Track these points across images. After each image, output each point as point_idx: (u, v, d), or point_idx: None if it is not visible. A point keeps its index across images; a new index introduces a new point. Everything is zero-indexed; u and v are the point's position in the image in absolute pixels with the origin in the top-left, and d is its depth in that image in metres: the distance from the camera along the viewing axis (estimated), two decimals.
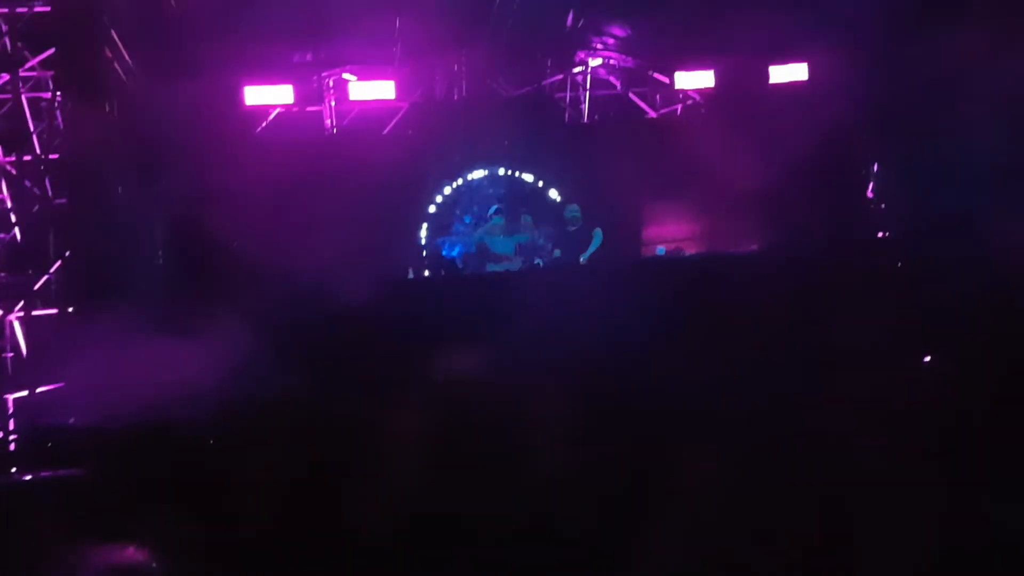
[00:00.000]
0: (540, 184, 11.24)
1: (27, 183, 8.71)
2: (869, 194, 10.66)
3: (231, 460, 6.69)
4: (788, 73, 10.20)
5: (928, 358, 7.64)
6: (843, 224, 9.93)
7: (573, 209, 10.14)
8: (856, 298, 8.11)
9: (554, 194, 11.16)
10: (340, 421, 6.63)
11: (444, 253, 10.58)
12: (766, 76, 10.29)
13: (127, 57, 7.70)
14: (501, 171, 11.12)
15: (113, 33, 7.29)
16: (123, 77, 7.67)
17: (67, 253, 8.24)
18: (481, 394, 6.68)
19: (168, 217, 8.20)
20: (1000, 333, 7.21)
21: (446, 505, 5.75)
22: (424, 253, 10.84)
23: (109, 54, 7.30)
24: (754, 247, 10.35)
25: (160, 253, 8.09)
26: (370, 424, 6.49)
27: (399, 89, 10.50)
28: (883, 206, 10.35)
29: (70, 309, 8.18)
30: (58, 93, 8.08)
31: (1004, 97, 8.84)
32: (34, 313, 8.33)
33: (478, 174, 11.16)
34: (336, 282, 8.37)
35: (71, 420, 7.71)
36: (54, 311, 8.29)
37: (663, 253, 10.24)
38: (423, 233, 11.02)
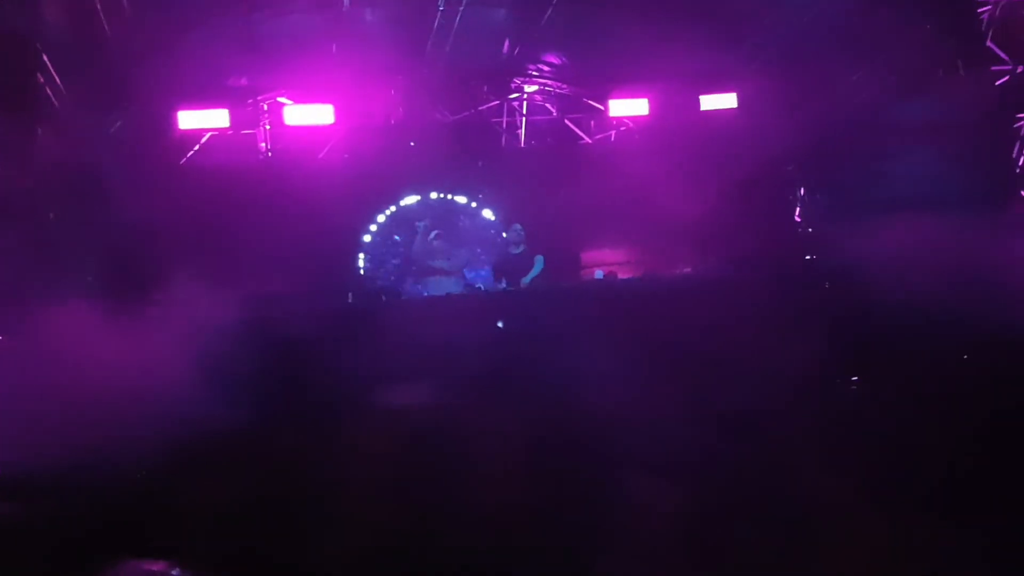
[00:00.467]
0: (474, 205, 11.36)
1: None
2: (796, 218, 11.02)
3: (164, 494, 6.54)
4: (718, 102, 10.51)
5: (855, 379, 7.87)
6: (771, 247, 10.22)
7: (517, 228, 10.06)
8: (785, 319, 8.34)
9: (488, 214, 11.29)
10: (278, 452, 6.53)
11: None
12: (697, 104, 10.58)
13: (59, 81, 7.52)
14: (435, 195, 11.21)
15: (45, 57, 7.12)
16: (55, 101, 7.48)
17: None
18: (425, 423, 6.66)
19: (101, 244, 8.00)
20: (926, 354, 7.47)
21: (393, 538, 5.70)
22: (363, 277, 10.82)
23: (41, 78, 7.13)
24: (687, 270, 10.58)
25: (92, 280, 7.88)
26: (310, 456, 6.40)
27: (336, 113, 10.49)
28: (810, 229, 10.70)
29: None
30: None
31: (921, 127, 9.27)
32: None
33: (414, 199, 11.22)
34: (275, 309, 8.29)
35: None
36: None
37: (602, 276, 10.38)
38: (361, 258, 11.00)
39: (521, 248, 9.93)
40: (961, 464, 5.66)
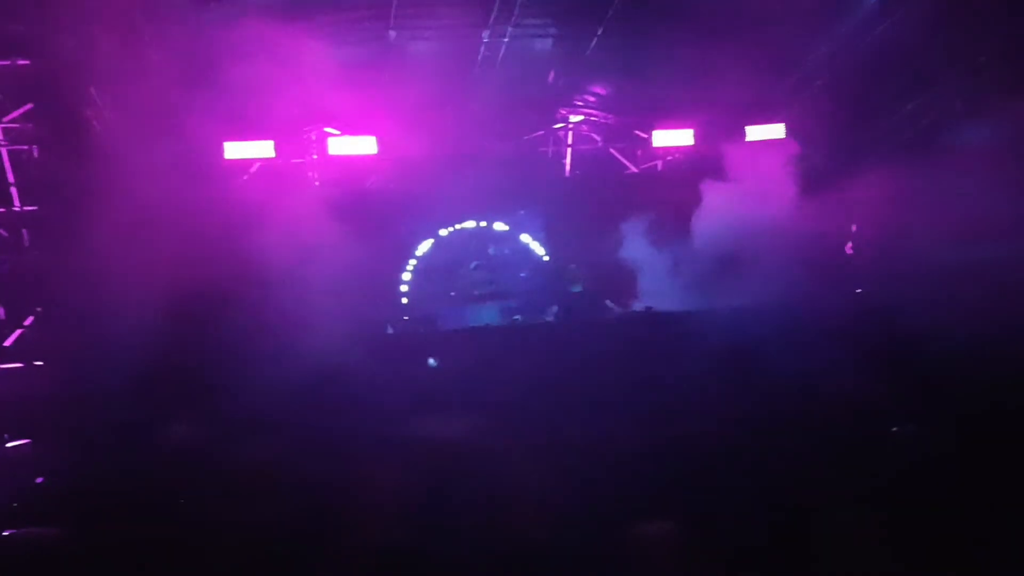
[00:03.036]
0: (519, 235, 11.30)
1: (3, 233, 8.62)
2: (848, 250, 10.72)
3: (203, 521, 6.56)
4: (765, 132, 10.30)
5: (895, 429, 7.51)
6: (822, 280, 9.95)
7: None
8: (831, 356, 8.08)
9: (532, 243, 11.22)
10: (315, 484, 6.51)
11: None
12: (743, 134, 10.39)
13: (106, 113, 7.68)
14: (478, 224, 11.20)
15: (92, 89, 7.27)
16: (101, 133, 7.63)
17: (39, 309, 8.13)
18: (461, 457, 6.57)
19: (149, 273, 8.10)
20: (976, 402, 7.13)
21: (421, 572, 5.62)
22: (405, 305, 10.82)
23: (88, 111, 7.27)
24: (734, 303, 10.34)
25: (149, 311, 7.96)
26: (346, 488, 6.37)
27: (381, 144, 10.54)
28: (861, 263, 10.40)
29: (38, 363, 8.05)
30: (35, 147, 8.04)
31: (977, 155, 8.97)
32: (2, 367, 8.18)
33: (457, 228, 11.21)
34: (316, 339, 8.30)
35: (40, 479, 7.55)
36: (20, 365, 8.14)
37: (642, 309, 10.22)
38: (403, 288, 11.01)
39: (579, 287, 9.91)
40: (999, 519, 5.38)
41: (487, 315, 9.86)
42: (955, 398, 7.41)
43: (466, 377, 7.91)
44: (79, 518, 6.69)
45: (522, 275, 11.10)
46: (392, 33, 10.12)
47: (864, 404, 7.49)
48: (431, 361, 8.67)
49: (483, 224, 11.17)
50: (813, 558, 5.27)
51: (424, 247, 11.08)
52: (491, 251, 10.72)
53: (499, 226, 11.23)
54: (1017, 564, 5.06)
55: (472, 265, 10.24)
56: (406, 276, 11.16)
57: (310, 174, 11.24)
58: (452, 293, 10.68)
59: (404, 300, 11.15)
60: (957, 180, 8.97)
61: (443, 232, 11.20)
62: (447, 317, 10.41)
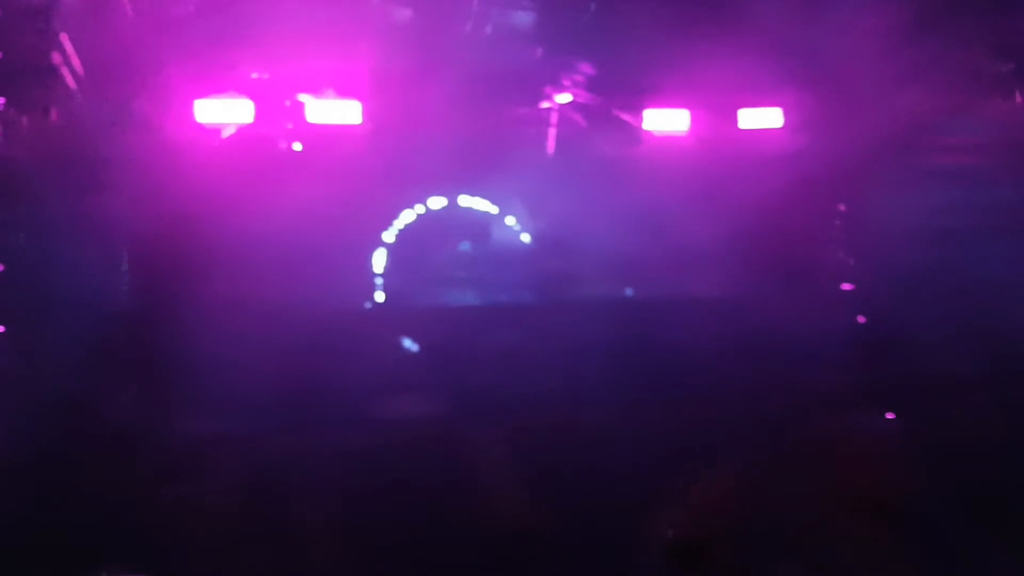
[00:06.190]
0: (504, 216, 11.07)
1: None
2: (835, 242, 10.59)
3: (151, 497, 6.38)
4: (760, 119, 10.10)
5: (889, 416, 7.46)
6: (808, 275, 9.84)
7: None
8: (816, 350, 8.06)
9: (514, 223, 10.98)
10: (278, 461, 6.33)
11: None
12: (737, 120, 10.19)
13: (77, 62, 7.28)
14: (459, 202, 10.94)
15: (63, 37, 6.88)
16: (72, 83, 7.24)
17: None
18: (431, 437, 6.42)
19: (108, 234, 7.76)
20: (966, 398, 7.14)
21: (385, 553, 5.47)
22: (379, 282, 10.55)
23: (56, 56, 6.88)
24: (715, 292, 10.21)
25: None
26: (310, 465, 6.20)
27: (363, 112, 10.19)
28: (851, 261, 10.29)
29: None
30: None
31: (968, 151, 8.92)
32: None
33: (437, 205, 10.94)
34: (286, 311, 8.04)
35: None
36: None
37: (631, 293, 10.07)
38: (380, 262, 10.72)
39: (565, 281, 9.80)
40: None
41: (467, 294, 9.63)
42: (929, 393, 7.41)
43: (440, 355, 7.72)
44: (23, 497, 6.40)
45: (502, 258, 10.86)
46: None
47: (836, 397, 7.48)
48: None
49: (466, 203, 10.91)
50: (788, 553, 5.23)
51: (402, 222, 10.79)
52: (478, 233, 10.46)
53: (484, 205, 10.98)
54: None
55: (453, 243, 10.00)
56: (381, 252, 10.88)
57: (282, 144, 10.86)
58: (428, 273, 10.44)
59: (378, 279, 10.89)
60: (947, 176, 8.90)
61: (422, 208, 10.92)
62: (424, 295, 10.17)
